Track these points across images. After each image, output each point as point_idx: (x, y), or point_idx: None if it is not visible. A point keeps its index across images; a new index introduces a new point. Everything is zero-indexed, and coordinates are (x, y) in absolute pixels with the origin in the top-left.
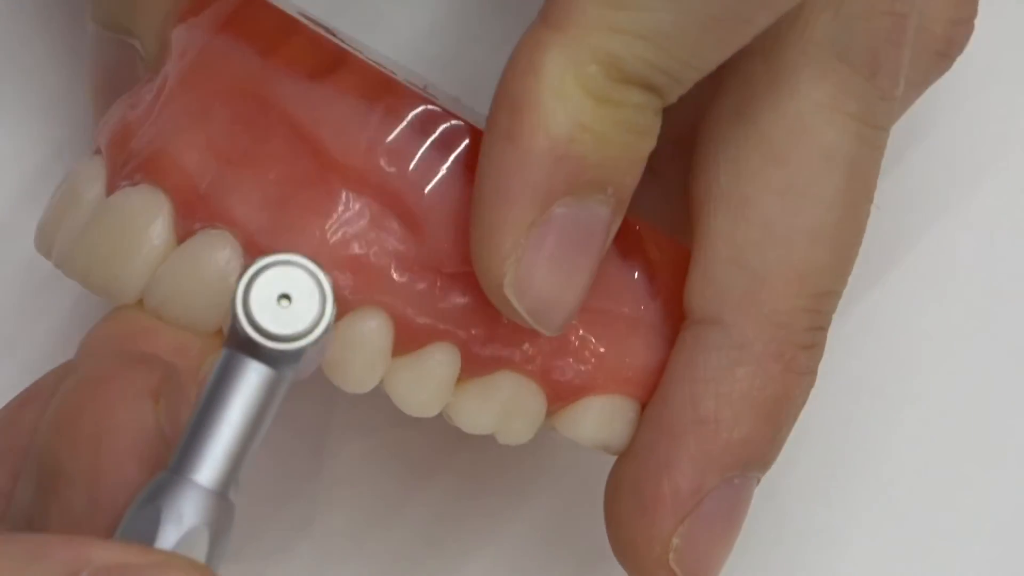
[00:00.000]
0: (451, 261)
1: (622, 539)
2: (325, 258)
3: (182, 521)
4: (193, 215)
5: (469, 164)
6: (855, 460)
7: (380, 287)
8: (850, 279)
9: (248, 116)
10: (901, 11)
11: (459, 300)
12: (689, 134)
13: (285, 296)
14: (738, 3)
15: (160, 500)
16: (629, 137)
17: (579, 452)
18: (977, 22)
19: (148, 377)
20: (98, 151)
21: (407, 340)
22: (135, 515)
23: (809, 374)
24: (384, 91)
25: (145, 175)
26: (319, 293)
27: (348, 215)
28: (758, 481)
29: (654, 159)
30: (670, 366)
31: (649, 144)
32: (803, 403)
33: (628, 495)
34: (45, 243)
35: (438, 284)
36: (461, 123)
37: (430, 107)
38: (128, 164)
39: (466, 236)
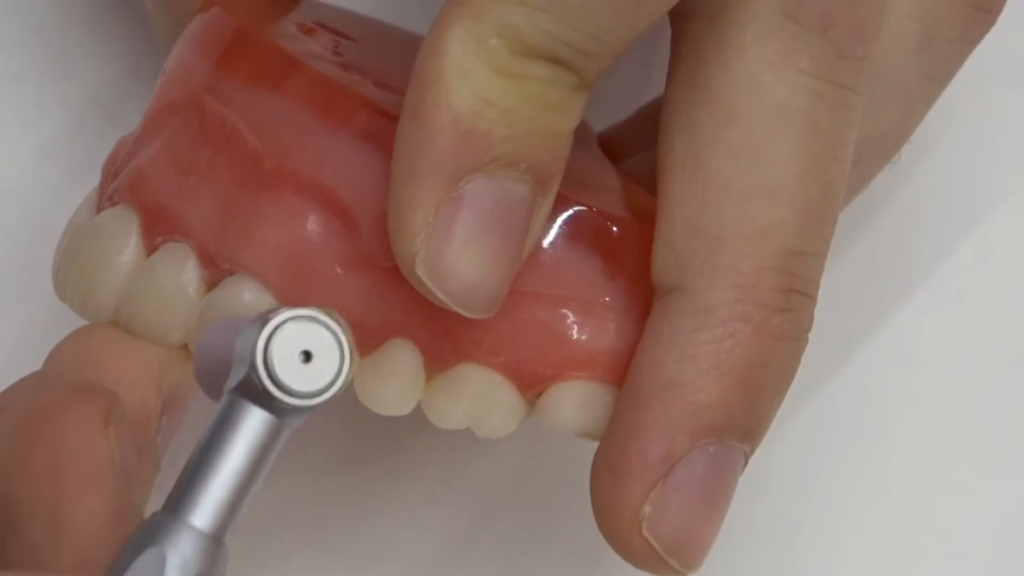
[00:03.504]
0: (386, 255)
1: (597, 509)
2: (270, 262)
3: (186, 568)
4: (156, 229)
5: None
6: (853, 462)
7: (325, 288)
8: (851, 286)
9: (194, 126)
10: None
11: (405, 295)
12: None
13: (306, 352)
14: None
15: (163, 544)
16: (540, 112)
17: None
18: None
19: (96, 406)
20: None
21: (362, 339)
22: (136, 557)
23: (790, 339)
24: (327, 97)
25: (121, 195)
26: (339, 351)
27: (290, 218)
28: (746, 458)
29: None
30: (641, 340)
31: (567, 121)
32: (788, 370)
33: (601, 465)
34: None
35: (381, 280)
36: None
37: (371, 110)
38: (111, 186)
39: None
